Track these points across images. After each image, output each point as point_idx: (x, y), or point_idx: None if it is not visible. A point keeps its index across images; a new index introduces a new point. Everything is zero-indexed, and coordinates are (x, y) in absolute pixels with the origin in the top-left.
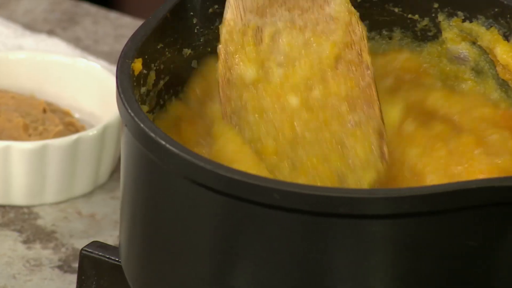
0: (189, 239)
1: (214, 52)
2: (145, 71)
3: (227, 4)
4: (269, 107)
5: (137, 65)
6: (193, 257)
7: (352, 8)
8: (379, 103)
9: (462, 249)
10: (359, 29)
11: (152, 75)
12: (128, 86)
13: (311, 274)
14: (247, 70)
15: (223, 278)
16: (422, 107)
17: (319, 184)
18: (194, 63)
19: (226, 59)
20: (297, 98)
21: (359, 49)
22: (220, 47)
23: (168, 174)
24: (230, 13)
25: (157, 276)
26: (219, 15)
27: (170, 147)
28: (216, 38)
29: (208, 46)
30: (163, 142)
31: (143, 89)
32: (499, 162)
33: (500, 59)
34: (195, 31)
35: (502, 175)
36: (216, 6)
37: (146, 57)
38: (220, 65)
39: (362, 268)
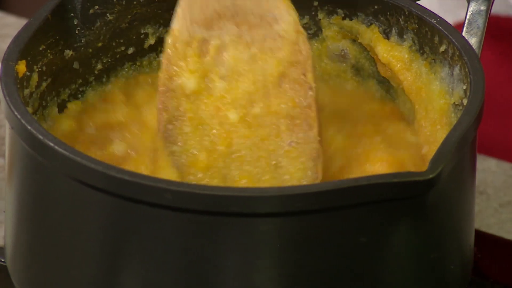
0: (77, 241)
1: (94, 52)
2: (28, 73)
3: (175, 14)
4: (207, 119)
5: (21, 67)
6: (81, 259)
7: (301, 28)
8: (319, 124)
9: (354, 245)
10: (306, 49)
11: (35, 77)
12: (13, 89)
13: (204, 274)
14: (188, 80)
15: (113, 280)
16: None
17: None
18: (75, 64)
19: (168, 67)
20: (237, 113)
21: (304, 69)
22: (163, 56)
23: (56, 175)
24: (176, 23)
25: (44, 278)
26: (100, 15)
27: (59, 149)
28: (97, 39)
29: (90, 47)
30: (52, 144)
31: (26, 91)
32: (398, 154)
33: (381, 58)
34: (76, 32)
35: (400, 166)
36: (96, 7)
37: (29, 59)
38: (162, 73)
39: (255, 266)
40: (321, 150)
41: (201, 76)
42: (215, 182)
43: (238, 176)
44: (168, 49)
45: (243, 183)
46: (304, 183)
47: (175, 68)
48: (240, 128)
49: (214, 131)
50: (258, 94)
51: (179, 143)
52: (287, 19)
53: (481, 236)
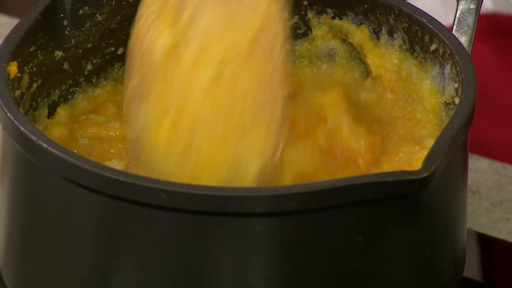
0: (70, 241)
1: (84, 53)
2: (19, 74)
3: None
4: (179, 78)
5: (13, 68)
6: (74, 260)
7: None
8: (285, 91)
9: (348, 244)
10: (277, 21)
11: (26, 78)
12: (5, 90)
13: (198, 274)
14: (163, 34)
15: (106, 281)
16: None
17: (209, 168)
18: (65, 65)
19: (144, 23)
20: (209, 73)
21: (275, 40)
22: (140, 11)
23: (50, 176)
24: None
25: (36, 278)
26: (90, 16)
27: (53, 150)
28: (87, 40)
29: (79, 48)
30: (45, 145)
31: (17, 92)
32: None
33: (372, 64)
34: (66, 33)
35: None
36: (86, 8)
37: (20, 60)
38: (137, 29)
39: (250, 266)
40: (284, 129)
41: (176, 33)
42: (176, 146)
43: (203, 139)
44: (145, 5)
45: (208, 145)
46: (261, 158)
47: (151, 23)
48: (211, 90)
49: (184, 90)
50: (230, 59)
51: (148, 104)
52: None
53: (474, 235)
